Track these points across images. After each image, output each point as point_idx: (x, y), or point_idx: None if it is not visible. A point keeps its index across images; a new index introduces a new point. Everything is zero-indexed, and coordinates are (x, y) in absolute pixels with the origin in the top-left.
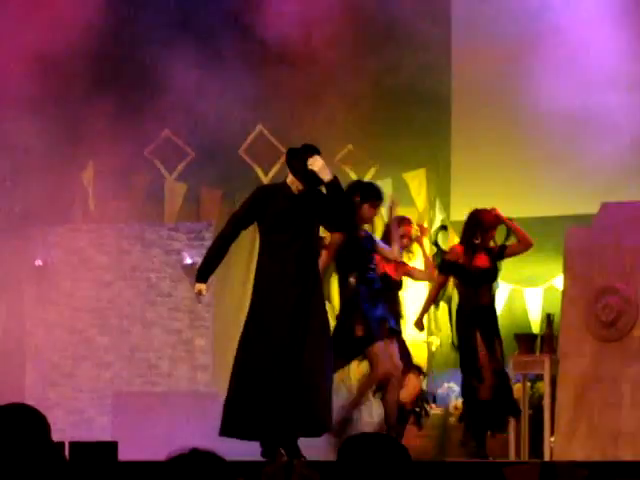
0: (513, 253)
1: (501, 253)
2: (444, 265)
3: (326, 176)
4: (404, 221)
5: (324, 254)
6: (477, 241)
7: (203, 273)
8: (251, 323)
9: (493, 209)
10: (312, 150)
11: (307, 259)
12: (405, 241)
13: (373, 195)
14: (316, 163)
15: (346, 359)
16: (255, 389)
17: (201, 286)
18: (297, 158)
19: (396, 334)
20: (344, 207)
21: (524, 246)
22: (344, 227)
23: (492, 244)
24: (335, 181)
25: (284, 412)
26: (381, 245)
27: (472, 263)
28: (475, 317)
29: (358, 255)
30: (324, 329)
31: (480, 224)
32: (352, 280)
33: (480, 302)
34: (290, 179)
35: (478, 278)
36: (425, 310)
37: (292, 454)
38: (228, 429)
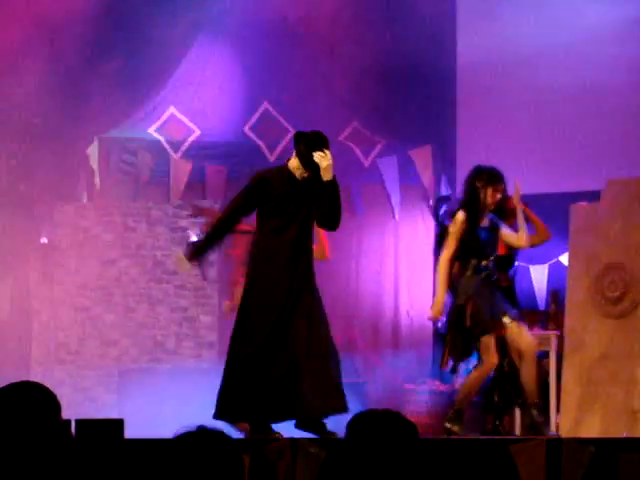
0: (531, 242)
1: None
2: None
3: (327, 175)
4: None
5: (451, 242)
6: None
7: (196, 253)
8: (244, 306)
9: (511, 198)
10: (323, 143)
11: (302, 244)
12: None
13: (496, 179)
14: (323, 160)
15: (462, 352)
16: (250, 373)
17: (190, 265)
18: (306, 145)
19: (518, 319)
20: (336, 208)
21: (543, 237)
22: (331, 226)
23: None
24: (333, 182)
25: (278, 393)
26: (507, 232)
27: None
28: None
29: (480, 243)
30: (321, 312)
31: (497, 212)
32: (470, 269)
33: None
34: (294, 164)
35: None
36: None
37: (319, 431)
38: (223, 412)
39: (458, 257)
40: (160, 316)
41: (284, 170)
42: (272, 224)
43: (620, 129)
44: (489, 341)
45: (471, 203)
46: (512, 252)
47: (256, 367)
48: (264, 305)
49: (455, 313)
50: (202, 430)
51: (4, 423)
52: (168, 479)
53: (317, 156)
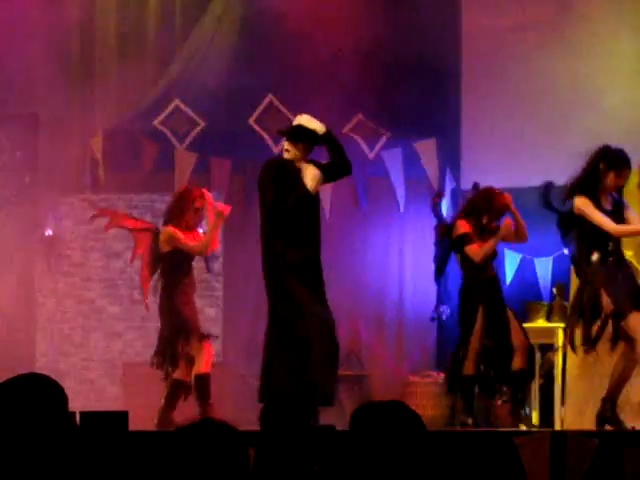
0: (505, 239)
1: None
2: (457, 241)
3: (318, 127)
4: None
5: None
6: (484, 221)
7: None
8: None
9: (508, 196)
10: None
11: None
12: None
13: (621, 163)
14: (301, 118)
15: (595, 338)
16: None
17: None
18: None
19: None
20: (342, 155)
21: (519, 239)
22: (344, 173)
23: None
24: (329, 132)
25: None
26: (632, 214)
27: (481, 242)
28: (481, 292)
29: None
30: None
31: (491, 207)
32: (594, 257)
33: (486, 276)
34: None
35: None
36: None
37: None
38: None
39: (584, 240)
40: None
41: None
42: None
43: (624, 124)
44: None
45: (589, 184)
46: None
47: None
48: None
49: (590, 299)
50: (206, 421)
51: (11, 415)
52: (172, 471)
53: (295, 120)
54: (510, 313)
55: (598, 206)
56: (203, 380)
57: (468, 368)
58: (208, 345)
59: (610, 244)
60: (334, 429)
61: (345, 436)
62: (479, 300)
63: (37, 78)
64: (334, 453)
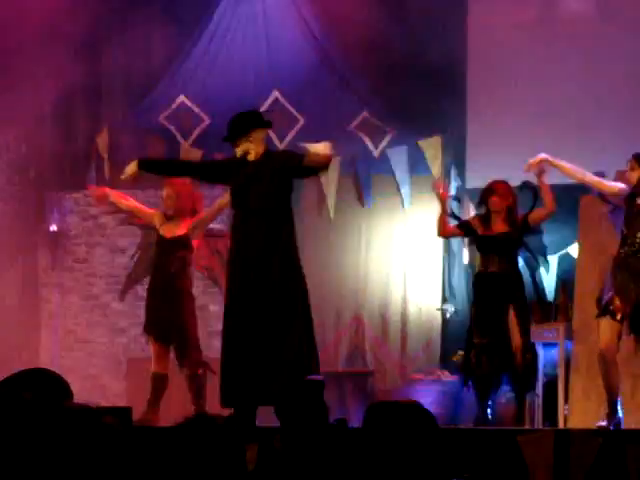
0: (539, 219)
1: (525, 223)
2: (461, 222)
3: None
4: None
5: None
6: (485, 208)
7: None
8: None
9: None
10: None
11: None
12: None
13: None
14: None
15: None
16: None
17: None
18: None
19: None
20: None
21: (547, 210)
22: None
23: (512, 215)
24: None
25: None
26: None
27: (484, 230)
28: (478, 285)
29: None
30: None
31: (483, 191)
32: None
33: (488, 270)
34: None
35: (486, 245)
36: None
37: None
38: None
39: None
40: None
41: None
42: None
43: (631, 120)
44: None
45: None
46: (506, 236)
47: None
48: None
49: None
50: (200, 417)
51: (15, 410)
52: (170, 466)
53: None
54: (512, 312)
55: None
56: (198, 379)
57: (466, 364)
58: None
59: None
60: (346, 424)
61: (357, 433)
62: (474, 296)
63: (42, 74)
64: (347, 449)
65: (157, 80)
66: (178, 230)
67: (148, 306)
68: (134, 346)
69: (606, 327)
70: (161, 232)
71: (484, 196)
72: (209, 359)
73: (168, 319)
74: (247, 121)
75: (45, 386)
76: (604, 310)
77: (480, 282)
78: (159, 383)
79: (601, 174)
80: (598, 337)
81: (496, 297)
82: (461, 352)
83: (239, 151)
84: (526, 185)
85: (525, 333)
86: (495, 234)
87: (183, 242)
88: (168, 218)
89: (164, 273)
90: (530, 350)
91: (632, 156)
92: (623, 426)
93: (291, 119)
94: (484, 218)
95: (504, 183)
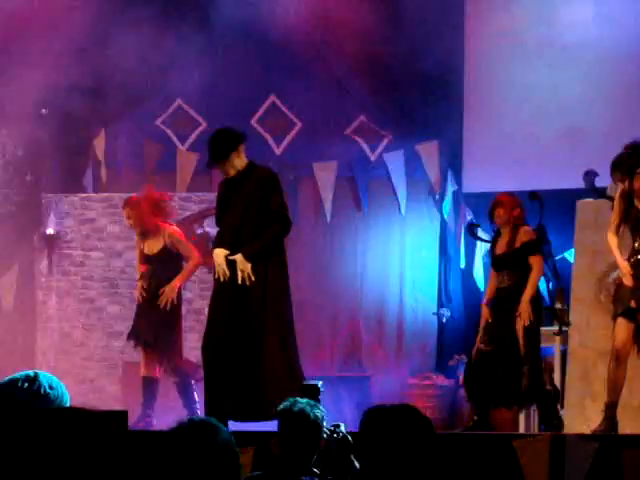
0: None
1: (527, 247)
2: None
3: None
4: None
5: None
6: (493, 225)
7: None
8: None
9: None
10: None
11: None
12: None
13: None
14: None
15: None
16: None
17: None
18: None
19: None
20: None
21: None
22: None
23: (517, 231)
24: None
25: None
26: None
27: (495, 249)
28: (494, 299)
29: None
30: None
31: (489, 205)
32: None
33: (500, 285)
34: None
35: (496, 264)
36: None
37: None
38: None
39: None
40: None
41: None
42: None
43: (626, 125)
44: None
45: None
46: (506, 253)
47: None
48: None
49: None
50: (192, 422)
51: (9, 414)
52: (164, 471)
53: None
54: (520, 327)
55: None
56: (185, 385)
57: (470, 370)
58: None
59: None
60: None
61: (354, 437)
62: (490, 306)
63: (40, 78)
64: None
65: (154, 84)
66: (155, 247)
67: (136, 313)
68: (130, 350)
69: (622, 327)
70: (144, 249)
71: (490, 210)
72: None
73: (151, 327)
74: (234, 137)
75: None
76: (624, 311)
77: (496, 298)
78: (150, 386)
79: (594, 174)
80: (614, 336)
81: (507, 310)
82: (461, 356)
83: (232, 169)
84: (533, 195)
85: (532, 345)
86: (501, 253)
87: (162, 257)
88: (145, 235)
89: (150, 283)
90: (536, 362)
91: (616, 169)
92: (619, 431)
93: (288, 123)
94: (496, 235)
95: (509, 195)
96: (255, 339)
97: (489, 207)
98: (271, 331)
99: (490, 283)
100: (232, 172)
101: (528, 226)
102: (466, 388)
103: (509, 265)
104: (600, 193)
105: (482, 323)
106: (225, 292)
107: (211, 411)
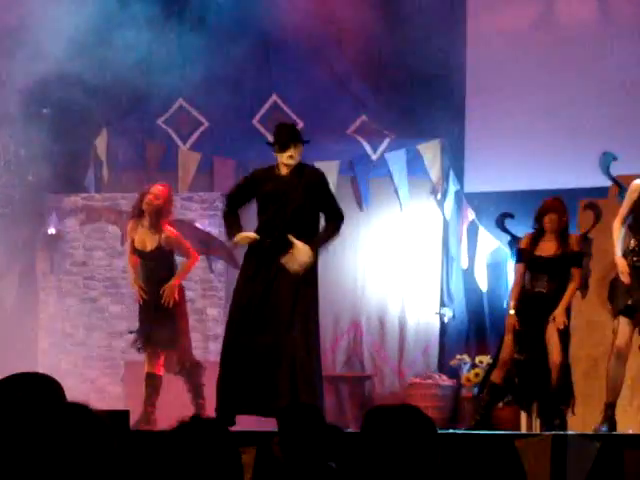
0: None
1: (576, 257)
2: (517, 254)
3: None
4: None
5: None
6: (537, 226)
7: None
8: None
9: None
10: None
11: None
12: None
13: None
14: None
15: None
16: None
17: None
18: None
19: None
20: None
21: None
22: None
23: (565, 234)
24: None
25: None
26: None
27: (534, 249)
28: (522, 303)
29: None
30: None
31: (537, 209)
32: None
33: (533, 289)
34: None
35: (536, 265)
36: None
37: None
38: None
39: None
40: None
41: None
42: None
43: (629, 126)
44: None
45: None
46: (556, 257)
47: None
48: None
49: None
50: (193, 422)
51: (7, 413)
52: (165, 471)
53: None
54: (553, 331)
55: None
56: (194, 378)
57: (495, 376)
58: None
59: None
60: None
61: (356, 437)
62: (518, 312)
63: (41, 77)
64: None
65: (156, 83)
66: (149, 244)
67: (139, 314)
68: (132, 349)
69: (625, 325)
70: (135, 241)
71: (541, 214)
72: (209, 363)
73: (157, 327)
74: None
75: (37, 390)
76: (624, 309)
77: (525, 301)
78: (152, 383)
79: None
80: (615, 335)
81: (540, 316)
82: (463, 356)
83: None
84: (590, 205)
85: (562, 354)
86: (548, 256)
87: (156, 255)
88: (150, 226)
89: (152, 283)
90: (566, 371)
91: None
92: (617, 429)
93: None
94: (535, 236)
95: (559, 200)
96: (280, 336)
97: (538, 210)
98: (298, 329)
99: (517, 282)
100: (294, 161)
101: (575, 234)
102: (510, 393)
103: (553, 270)
104: (612, 177)
105: (509, 328)
106: (256, 285)
107: (223, 402)
